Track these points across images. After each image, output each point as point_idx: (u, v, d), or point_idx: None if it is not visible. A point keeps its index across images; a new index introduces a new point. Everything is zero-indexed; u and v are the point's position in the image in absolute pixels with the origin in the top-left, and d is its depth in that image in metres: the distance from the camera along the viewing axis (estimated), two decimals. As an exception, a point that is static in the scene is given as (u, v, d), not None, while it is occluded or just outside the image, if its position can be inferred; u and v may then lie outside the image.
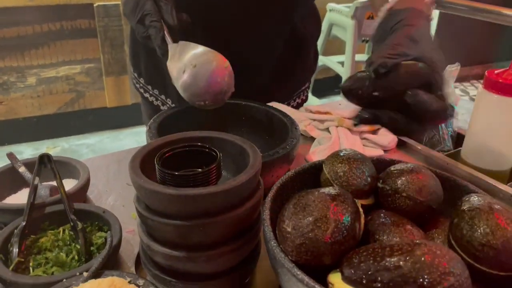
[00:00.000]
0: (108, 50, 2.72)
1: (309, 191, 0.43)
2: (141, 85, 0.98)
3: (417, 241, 0.37)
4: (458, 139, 0.88)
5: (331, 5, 2.98)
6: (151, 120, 0.71)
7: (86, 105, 2.83)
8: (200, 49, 0.65)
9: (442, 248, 0.37)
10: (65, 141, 2.77)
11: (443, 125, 0.86)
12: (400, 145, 0.86)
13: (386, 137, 0.84)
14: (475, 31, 3.59)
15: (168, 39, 0.64)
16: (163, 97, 0.95)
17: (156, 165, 0.46)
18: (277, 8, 0.84)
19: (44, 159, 0.62)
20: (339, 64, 3.07)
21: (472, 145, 0.79)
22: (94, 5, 2.58)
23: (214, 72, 0.63)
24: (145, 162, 0.49)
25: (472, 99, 3.38)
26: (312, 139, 0.86)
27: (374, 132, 0.87)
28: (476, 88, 3.62)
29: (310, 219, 0.39)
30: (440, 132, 0.86)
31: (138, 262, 0.57)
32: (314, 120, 0.89)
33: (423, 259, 0.35)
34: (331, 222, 0.39)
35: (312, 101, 3.13)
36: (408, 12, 0.56)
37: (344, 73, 2.96)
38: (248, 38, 0.85)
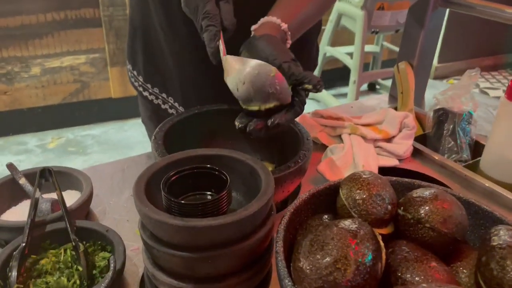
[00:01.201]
0: (113, 40, 2.68)
1: (327, 224, 0.40)
2: (139, 83, 0.94)
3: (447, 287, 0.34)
4: (476, 147, 0.85)
5: (340, -5, 2.91)
6: (157, 129, 0.68)
7: (91, 96, 2.80)
8: (252, 61, 0.60)
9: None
10: (70, 131, 2.74)
11: (461, 133, 0.83)
12: (416, 153, 0.83)
13: (401, 146, 0.81)
14: (485, 22, 3.50)
15: (222, 48, 0.60)
16: (164, 95, 0.92)
17: (162, 192, 0.43)
18: None
19: (45, 173, 0.60)
20: (347, 55, 3.01)
21: (492, 156, 0.76)
22: (99, -6, 2.53)
23: (273, 78, 0.59)
24: (150, 184, 0.46)
25: (483, 92, 3.31)
26: (324, 146, 0.83)
27: (389, 140, 0.83)
28: (486, 81, 3.55)
29: (329, 259, 0.36)
30: (458, 141, 0.83)
31: (142, 285, 0.55)
32: (326, 126, 0.86)
33: (453, 311, 0.32)
34: (352, 263, 0.36)
35: (320, 92, 3.08)
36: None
37: (353, 64, 2.90)
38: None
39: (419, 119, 0.95)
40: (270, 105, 0.59)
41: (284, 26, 0.67)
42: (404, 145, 0.81)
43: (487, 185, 0.72)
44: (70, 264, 0.52)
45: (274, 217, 0.47)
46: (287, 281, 0.39)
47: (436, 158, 0.80)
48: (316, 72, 3.13)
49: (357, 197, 0.46)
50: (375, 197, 0.45)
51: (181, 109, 0.90)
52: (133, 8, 0.90)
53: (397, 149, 0.80)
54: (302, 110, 0.60)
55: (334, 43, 3.17)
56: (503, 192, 0.70)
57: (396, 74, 1.01)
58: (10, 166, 0.65)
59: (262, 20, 0.68)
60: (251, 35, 0.67)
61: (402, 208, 0.47)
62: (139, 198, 0.44)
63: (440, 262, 0.41)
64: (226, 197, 0.43)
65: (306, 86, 0.58)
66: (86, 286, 0.49)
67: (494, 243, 0.40)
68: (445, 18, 3.29)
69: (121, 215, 0.65)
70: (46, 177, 0.60)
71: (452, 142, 0.83)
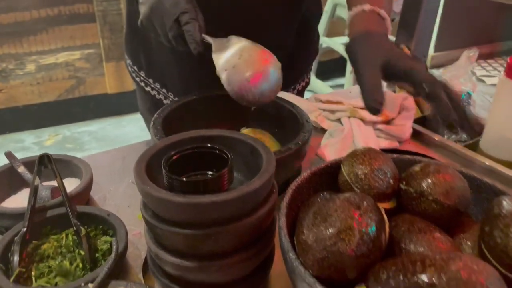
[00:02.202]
0: (107, 35, 2.66)
1: (330, 197, 0.40)
2: (141, 78, 0.94)
3: (451, 255, 0.34)
4: (476, 128, 0.84)
5: (335, -16, 2.90)
6: (155, 115, 0.67)
7: (87, 92, 2.78)
8: (233, 50, 0.60)
9: (478, 262, 0.33)
10: (67, 128, 2.73)
11: (460, 114, 0.83)
12: (415, 135, 0.83)
13: (401, 128, 0.80)
14: (482, 9, 3.49)
15: (207, 37, 0.60)
16: (164, 90, 0.92)
17: (163, 170, 0.43)
18: None
19: (44, 159, 0.59)
20: (343, 46, 3.00)
21: (492, 135, 0.76)
22: (92, -12, 2.51)
23: (243, 82, 0.58)
24: (151, 165, 0.46)
25: (480, 80, 3.31)
26: (323, 130, 0.83)
27: (388, 122, 0.83)
28: (483, 68, 3.55)
29: (333, 230, 0.36)
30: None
31: (145, 267, 0.54)
32: (325, 110, 0.86)
33: (458, 275, 0.32)
34: (356, 233, 0.36)
35: (316, 84, 3.07)
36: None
37: (349, 55, 2.89)
38: (262, 24, 0.81)
39: (417, 102, 0.95)
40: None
41: (383, 12, 0.63)
42: (403, 127, 0.81)
43: (487, 163, 0.72)
44: (72, 248, 0.52)
45: (276, 195, 0.47)
46: (291, 254, 0.38)
47: (436, 139, 0.80)
48: (314, 63, 3.13)
49: (359, 172, 0.46)
50: (377, 171, 0.45)
51: None
52: (130, 6, 0.89)
53: (396, 131, 0.80)
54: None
55: (330, 33, 3.16)
56: (503, 169, 0.70)
57: (394, 58, 1.00)
58: (9, 155, 0.65)
59: (353, 11, 0.63)
60: (350, 36, 0.63)
61: (404, 182, 0.46)
62: (140, 177, 0.43)
63: (443, 233, 0.41)
64: (228, 174, 0.43)
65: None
66: (89, 269, 0.49)
67: (497, 212, 0.40)
68: (440, 7, 3.29)
69: (122, 201, 0.65)
70: (45, 163, 0.59)
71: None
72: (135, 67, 0.92)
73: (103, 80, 2.79)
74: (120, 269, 0.52)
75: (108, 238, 0.54)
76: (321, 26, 3.09)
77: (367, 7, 0.63)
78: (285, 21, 0.84)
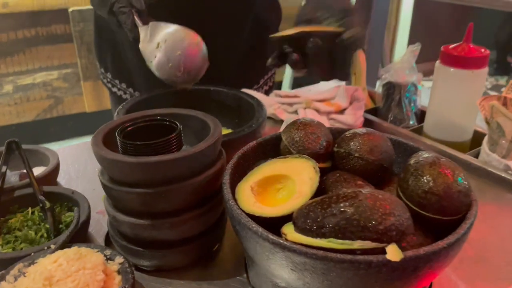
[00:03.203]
0: (85, 54, 2.71)
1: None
2: (108, 79, 0.99)
3: (362, 189, 0.39)
4: (422, 116, 0.91)
5: (306, 2, 3.02)
6: (120, 106, 0.72)
7: (65, 111, 2.81)
8: (171, 27, 0.66)
9: (384, 193, 0.39)
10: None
11: (406, 102, 0.90)
12: (367, 124, 0.89)
13: (353, 116, 0.87)
14: (447, 18, 3.64)
15: (138, 22, 0.65)
16: (131, 90, 0.97)
17: (117, 137, 0.48)
18: None
19: (12, 145, 0.63)
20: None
21: (433, 119, 0.83)
22: (69, 10, 2.57)
23: (185, 49, 0.65)
24: (108, 138, 0.51)
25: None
26: (282, 122, 0.89)
27: (341, 112, 0.89)
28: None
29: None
30: (404, 110, 0.89)
31: (108, 241, 0.58)
32: (283, 103, 0.92)
33: (365, 203, 0.37)
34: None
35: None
36: None
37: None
38: (216, 22, 0.87)
39: (371, 96, 1.02)
40: (183, 84, 0.67)
41: None
42: (355, 115, 0.87)
43: (428, 143, 0.79)
44: (38, 222, 0.56)
45: (224, 161, 0.52)
46: (231, 202, 0.43)
47: (385, 125, 0.87)
48: (287, 80, 3.22)
49: (295, 136, 0.51)
50: (311, 135, 0.51)
51: None
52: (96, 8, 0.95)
53: (348, 119, 0.86)
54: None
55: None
56: (444, 148, 0.77)
57: (349, 58, 1.08)
58: (-21, 146, 0.68)
59: None
60: None
61: (336, 145, 0.52)
62: (97, 145, 0.48)
63: (365, 181, 0.47)
64: (175, 138, 0.48)
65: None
66: (53, 237, 0.53)
67: (411, 162, 0.46)
68: (409, 22, 3.43)
69: (87, 186, 0.69)
70: (13, 149, 0.63)
71: (399, 111, 0.90)
72: (102, 69, 0.97)
73: (81, 99, 2.82)
74: (83, 239, 0.56)
75: (72, 213, 0.58)
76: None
77: None
78: (240, 18, 0.90)
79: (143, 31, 0.66)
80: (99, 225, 0.60)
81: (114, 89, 0.98)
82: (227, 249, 0.56)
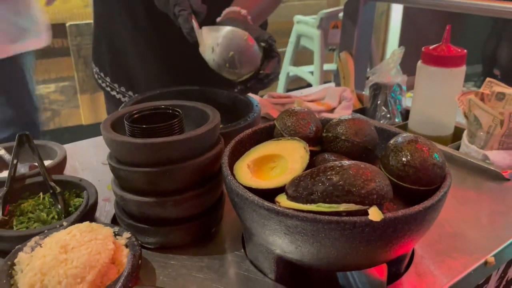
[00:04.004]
0: (81, 68, 2.77)
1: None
2: (107, 83, 1.02)
3: (346, 161, 0.44)
4: (407, 114, 0.97)
5: (298, 17, 3.12)
6: (123, 104, 0.77)
7: (61, 123, 2.85)
8: (220, 31, 0.71)
9: (366, 164, 0.44)
10: (42, 160, 2.76)
11: (392, 101, 0.95)
12: (355, 122, 0.94)
13: (341, 115, 0.92)
14: (434, 24, 3.74)
15: (195, 26, 0.70)
16: (130, 93, 1.01)
17: (125, 122, 0.53)
18: None
19: (23, 138, 0.68)
20: (309, 73, 3.19)
21: (416, 115, 0.88)
22: (67, 24, 2.63)
23: (237, 48, 0.70)
24: (115, 126, 0.55)
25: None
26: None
27: (331, 111, 0.95)
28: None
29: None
30: (390, 108, 0.95)
31: (114, 224, 0.62)
32: (276, 104, 0.97)
33: (350, 171, 0.42)
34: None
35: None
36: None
37: (314, 81, 3.07)
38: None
39: (360, 98, 1.08)
40: (246, 75, 0.72)
41: (244, 11, 0.80)
42: (343, 114, 0.92)
43: (413, 137, 0.84)
44: (48, 206, 0.60)
45: (222, 145, 0.57)
46: (229, 177, 0.48)
47: (369, 121, 0.92)
48: (281, 91, 3.30)
49: (287, 122, 0.56)
50: (302, 120, 0.56)
51: None
52: (97, 13, 1.00)
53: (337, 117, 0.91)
54: (280, 58, 0.75)
55: (296, 62, 3.35)
56: (426, 142, 0.82)
57: (338, 63, 1.14)
58: (-10, 140, 0.73)
59: (224, 11, 0.80)
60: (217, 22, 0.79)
61: (325, 130, 0.57)
62: (106, 129, 0.53)
63: (350, 160, 0.52)
64: (178, 123, 0.53)
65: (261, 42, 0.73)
66: (63, 219, 0.57)
67: (391, 142, 0.51)
68: (399, 33, 3.52)
69: (93, 177, 0.72)
70: (23, 142, 0.67)
71: (385, 110, 0.95)
72: (101, 74, 1.01)
73: (78, 111, 2.86)
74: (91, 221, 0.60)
75: (80, 199, 0.62)
76: (287, 56, 3.29)
77: (235, 8, 0.80)
78: None
79: (199, 35, 0.71)
80: (105, 211, 0.64)
81: (113, 93, 1.02)
82: (225, 229, 0.61)
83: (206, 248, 0.56)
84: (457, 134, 0.87)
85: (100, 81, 1.04)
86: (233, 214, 0.54)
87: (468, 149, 0.78)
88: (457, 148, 0.82)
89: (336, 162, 0.44)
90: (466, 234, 0.59)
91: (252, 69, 0.73)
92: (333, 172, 0.42)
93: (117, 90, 1.02)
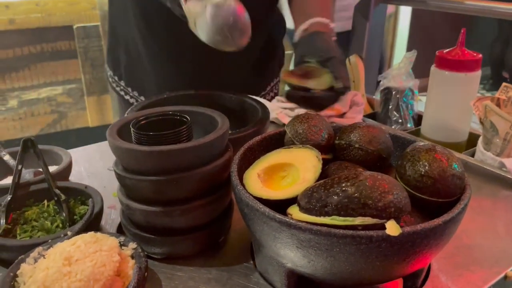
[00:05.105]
0: (88, 70, 2.77)
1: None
2: (121, 87, 1.02)
3: (362, 171, 0.42)
4: (419, 119, 0.95)
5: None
6: (130, 108, 0.75)
7: (68, 126, 2.85)
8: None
9: (383, 175, 0.42)
10: (49, 162, 2.76)
11: (404, 106, 0.93)
12: (366, 127, 0.92)
13: (352, 120, 0.90)
14: (443, 28, 3.70)
15: (182, 2, 0.66)
16: (142, 98, 1.00)
17: (131, 129, 0.51)
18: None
19: (28, 143, 0.66)
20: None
21: (430, 121, 0.86)
22: (74, 26, 2.63)
23: (232, 4, 0.63)
24: (121, 132, 0.54)
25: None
26: (284, 126, 0.92)
27: (341, 116, 0.93)
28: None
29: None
30: (402, 114, 0.93)
31: (120, 232, 0.61)
32: (285, 108, 0.95)
33: (366, 183, 0.40)
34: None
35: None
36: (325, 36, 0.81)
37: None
38: None
39: (370, 102, 1.06)
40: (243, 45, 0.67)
41: (332, 25, 0.81)
42: (354, 119, 0.90)
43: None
44: (53, 214, 0.58)
45: (231, 153, 0.55)
46: (239, 187, 0.46)
47: (383, 128, 0.90)
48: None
49: (299, 128, 0.54)
50: (314, 127, 0.54)
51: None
52: (113, 17, 0.99)
53: (348, 122, 0.89)
54: (340, 94, 0.82)
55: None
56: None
57: (348, 66, 1.12)
58: (-5, 145, 0.72)
59: (312, 20, 0.82)
60: (302, 32, 0.83)
61: (337, 137, 0.55)
62: (112, 136, 0.51)
63: (365, 169, 0.50)
64: (186, 130, 0.51)
65: (335, 85, 0.78)
66: (68, 228, 0.55)
67: (408, 150, 0.49)
68: (407, 35, 3.49)
69: (99, 183, 0.71)
70: (28, 147, 0.66)
71: (397, 115, 0.93)
72: (115, 77, 1.00)
73: (85, 113, 2.86)
74: (96, 230, 0.58)
75: (85, 207, 0.60)
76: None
77: (325, 20, 0.82)
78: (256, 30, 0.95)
79: (187, 11, 0.66)
80: (110, 219, 0.63)
81: (127, 97, 1.02)
82: (233, 239, 0.59)
83: (214, 259, 0.55)
84: (471, 140, 0.84)
85: (114, 85, 1.04)
86: (242, 222, 0.52)
87: (483, 156, 0.75)
88: (472, 155, 0.79)
89: (351, 173, 0.42)
90: (484, 246, 0.57)
91: (247, 38, 0.67)
92: (348, 184, 0.41)
93: (131, 94, 1.01)
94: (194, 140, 0.51)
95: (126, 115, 0.72)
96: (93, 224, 0.56)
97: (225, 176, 0.54)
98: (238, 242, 0.58)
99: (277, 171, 0.50)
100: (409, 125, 0.93)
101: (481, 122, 0.76)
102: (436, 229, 0.41)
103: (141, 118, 0.54)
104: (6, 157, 0.70)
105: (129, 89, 1.01)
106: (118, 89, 1.03)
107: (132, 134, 0.51)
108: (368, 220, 0.39)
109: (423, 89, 0.96)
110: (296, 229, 0.40)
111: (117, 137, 0.51)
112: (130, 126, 0.52)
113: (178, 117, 0.55)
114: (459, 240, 0.58)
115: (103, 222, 0.62)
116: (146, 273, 0.46)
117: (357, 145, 0.52)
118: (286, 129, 0.57)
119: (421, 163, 0.45)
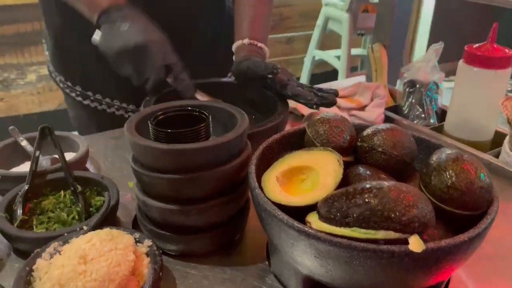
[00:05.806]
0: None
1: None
2: (77, 93, 0.91)
3: (386, 182, 0.41)
4: (443, 114, 0.92)
5: (326, -1, 3.02)
6: (147, 97, 0.73)
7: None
8: None
9: (408, 186, 0.40)
10: (66, 137, 2.79)
11: (427, 101, 0.90)
12: (387, 121, 0.90)
13: (373, 113, 0.88)
14: (470, 18, 3.59)
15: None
16: (108, 100, 0.90)
17: (150, 125, 0.50)
18: None
19: (45, 130, 0.66)
20: (335, 58, 3.10)
21: (454, 118, 0.83)
22: (93, 1, 2.60)
23: None
24: (139, 127, 0.53)
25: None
26: (303, 117, 0.90)
27: (362, 108, 0.90)
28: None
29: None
30: (425, 108, 0.90)
31: (135, 225, 0.61)
32: (304, 99, 0.93)
33: (389, 195, 0.39)
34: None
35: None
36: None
37: (341, 66, 2.99)
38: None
39: (392, 94, 1.02)
40: None
41: (260, 44, 0.78)
42: (375, 112, 0.88)
43: (449, 142, 0.79)
44: (69, 205, 0.58)
45: (249, 151, 0.54)
46: (257, 190, 0.45)
47: (405, 123, 0.87)
48: (305, 75, 3.23)
49: (320, 129, 0.52)
50: (335, 128, 0.52)
51: (130, 107, 0.90)
52: (52, 21, 0.91)
53: (369, 115, 0.87)
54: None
55: (322, 46, 3.26)
56: (463, 147, 0.77)
57: (370, 54, 1.08)
58: (13, 130, 0.71)
59: (236, 45, 0.79)
60: (235, 60, 0.78)
61: (360, 140, 0.53)
62: (130, 132, 0.50)
63: (388, 175, 0.48)
64: (205, 128, 0.50)
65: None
66: (84, 219, 0.55)
67: (433, 158, 0.47)
68: (430, 22, 3.38)
69: (115, 173, 0.71)
70: (45, 134, 0.66)
71: (420, 110, 0.90)
72: (68, 83, 0.91)
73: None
74: (112, 223, 0.58)
75: (101, 198, 0.60)
76: (314, 39, 3.20)
77: (246, 41, 0.78)
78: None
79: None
80: (126, 210, 0.63)
81: (86, 102, 0.91)
82: (248, 238, 0.58)
83: (229, 258, 0.54)
84: (496, 140, 0.81)
85: (68, 90, 0.93)
86: (258, 221, 0.51)
87: (509, 158, 0.73)
88: (497, 156, 0.77)
89: (374, 183, 0.40)
90: (506, 255, 0.55)
91: None
92: (371, 195, 0.39)
93: (92, 98, 0.91)
94: (212, 139, 0.49)
95: (142, 108, 0.70)
96: (109, 217, 0.55)
97: (243, 174, 0.53)
98: (254, 241, 0.57)
99: (296, 174, 0.49)
100: (432, 120, 0.90)
101: (509, 122, 0.73)
102: (461, 245, 0.39)
103: (159, 113, 0.53)
104: (24, 143, 0.70)
105: (89, 93, 0.90)
106: (73, 94, 0.91)
107: (150, 130, 0.50)
108: (391, 235, 0.38)
109: (445, 74, 0.93)
110: (315, 239, 0.39)
111: (135, 133, 0.50)
112: (148, 122, 0.50)
113: (197, 113, 0.53)
114: (480, 248, 0.56)
115: (118, 213, 0.61)
116: (161, 273, 0.46)
117: (380, 149, 0.50)
118: (306, 128, 0.55)
119: (447, 173, 0.43)
